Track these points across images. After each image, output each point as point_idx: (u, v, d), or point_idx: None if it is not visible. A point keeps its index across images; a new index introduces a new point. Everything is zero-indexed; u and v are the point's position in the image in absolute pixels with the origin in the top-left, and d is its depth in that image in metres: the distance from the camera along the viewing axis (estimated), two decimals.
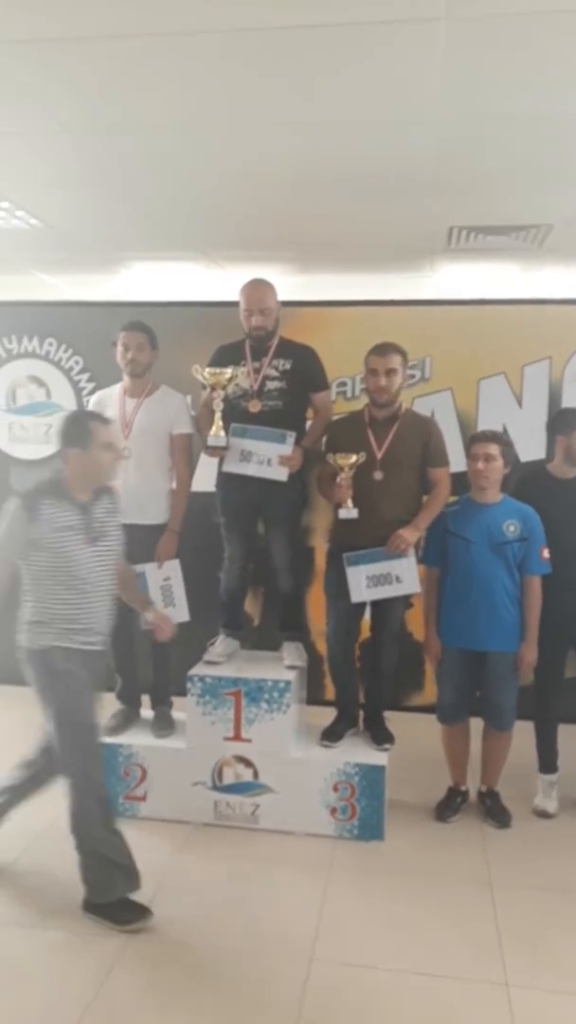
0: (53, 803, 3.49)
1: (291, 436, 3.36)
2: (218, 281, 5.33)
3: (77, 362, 4.88)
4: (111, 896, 2.71)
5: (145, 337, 3.56)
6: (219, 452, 3.42)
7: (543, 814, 3.48)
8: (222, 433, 3.37)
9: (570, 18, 2.11)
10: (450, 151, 3.01)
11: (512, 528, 3.30)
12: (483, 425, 4.34)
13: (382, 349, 3.36)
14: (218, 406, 3.38)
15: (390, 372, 3.33)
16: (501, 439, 3.39)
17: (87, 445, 2.70)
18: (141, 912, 2.71)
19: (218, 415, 3.38)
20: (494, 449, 3.30)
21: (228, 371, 3.37)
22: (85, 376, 4.86)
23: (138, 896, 2.82)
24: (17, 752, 3.00)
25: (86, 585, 2.72)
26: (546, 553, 3.31)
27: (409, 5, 2.04)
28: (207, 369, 3.40)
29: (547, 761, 3.56)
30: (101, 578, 2.77)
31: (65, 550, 2.67)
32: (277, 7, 2.11)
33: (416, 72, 2.42)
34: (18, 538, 2.66)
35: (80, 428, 2.73)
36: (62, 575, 2.68)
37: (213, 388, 3.38)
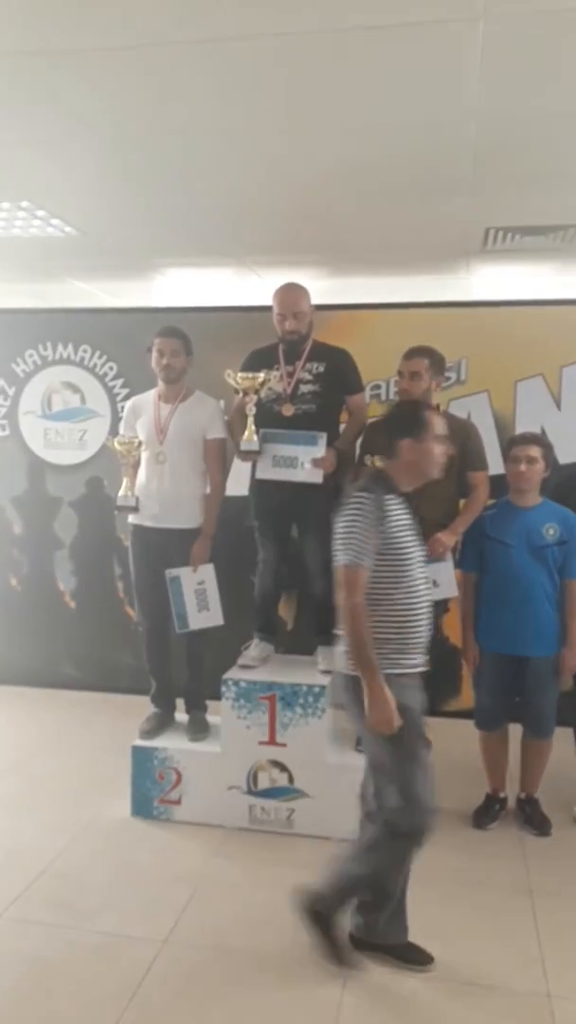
0: (89, 805, 3.52)
1: (322, 437, 3.35)
2: (251, 286, 5.34)
3: (111, 368, 4.92)
4: (396, 939, 2.52)
5: (180, 343, 3.57)
6: (252, 457, 3.42)
7: None
8: (255, 438, 3.37)
9: None
10: (487, 151, 2.97)
11: (552, 531, 3.25)
12: (521, 427, 4.30)
13: (409, 352, 3.38)
14: (251, 411, 3.38)
15: (414, 375, 3.32)
16: (542, 441, 3.35)
17: (421, 435, 2.51)
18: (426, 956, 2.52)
19: (251, 420, 3.38)
20: (535, 451, 3.26)
21: (260, 375, 3.37)
22: (119, 382, 4.90)
23: (173, 900, 2.82)
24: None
25: (421, 596, 2.44)
26: None
27: (447, 6, 2.02)
28: (239, 374, 3.40)
29: None
30: (427, 587, 2.52)
31: (406, 552, 2.41)
32: (313, 11, 2.10)
33: (454, 72, 2.39)
34: (373, 539, 2.35)
35: (415, 417, 2.55)
36: (403, 583, 2.40)
37: (246, 393, 3.39)
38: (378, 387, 4.56)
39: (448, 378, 4.34)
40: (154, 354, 3.60)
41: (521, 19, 2.08)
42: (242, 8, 2.11)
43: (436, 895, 2.90)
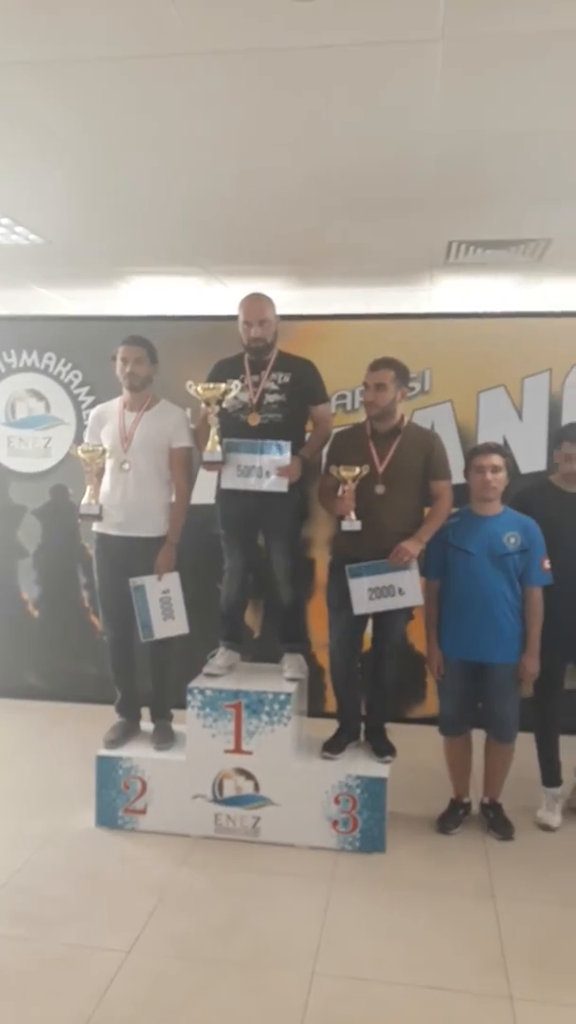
0: (53, 816, 3.49)
1: (287, 446, 3.38)
2: (218, 296, 5.37)
3: (76, 376, 4.90)
4: None
5: (143, 351, 3.58)
6: (216, 467, 3.43)
7: (546, 827, 3.47)
8: (219, 448, 3.38)
9: (564, 38, 2.14)
10: (449, 167, 3.04)
11: (513, 540, 3.30)
12: (483, 437, 4.36)
13: (374, 364, 3.41)
14: (213, 421, 3.40)
15: (379, 387, 3.36)
16: (503, 451, 3.41)
17: None
18: None
19: (214, 430, 3.40)
20: (498, 461, 3.32)
21: (222, 386, 3.39)
22: (84, 390, 4.88)
23: (138, 910, 2.81)
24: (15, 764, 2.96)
25: None
26: (547, 564, 3.31)
27: (407, 27, 2.07)
28: (200, 384, 3.42)
29: (550, 774, 3.55)
30: None
31: None
32: (277, 28, 2.14)
33: (415, 91, 2.45)
34: None
35: None
36: None
37: (208, 403, 3.40)
38: (344, 397, 4.60)
39: (412, 389, 4.40)
40: (118, 362, 3.59)
41: (479, 41, 2.14)
42: (211, 24, 2.14)
43: (400, 900, 2.94)
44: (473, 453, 3.42)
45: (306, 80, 2.42)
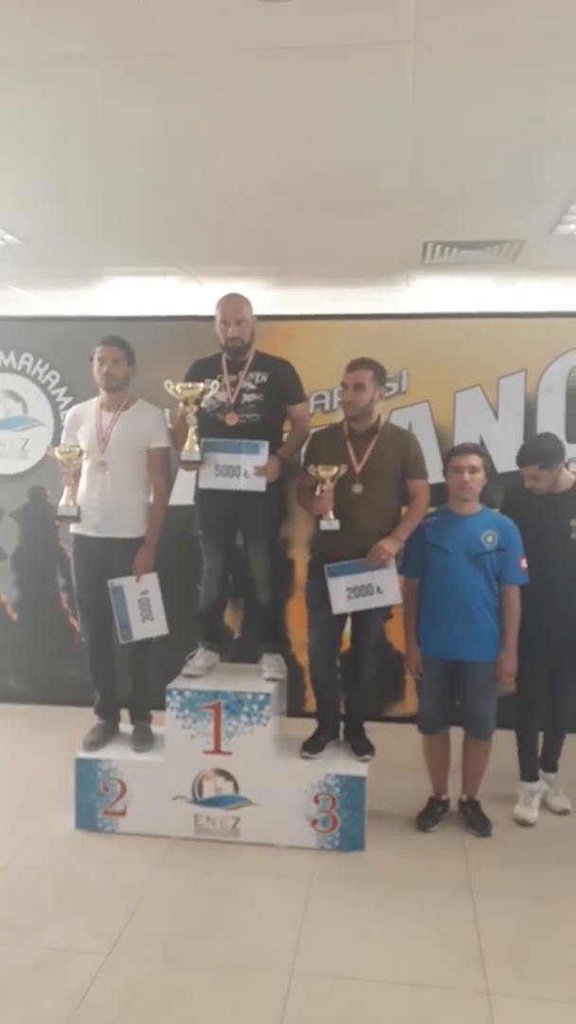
0: (32, 819, 3.48)
1: (264, 446, 3.38)
2: (196, 296, 5.37)
3: (54, 376, 4.87)
4: None
5: (120, 351, 3.56)
6: (194, 466, 3.43)
7: (523, 823, 3.50)
8: (196, 448, 3.38)
9: (532, 43, 2.17)
10: (423, 169, 3.06)
11: (490, 539, 3.33)
12: (460, 437, 4.38)
13: (352, 364, 3.41)
14: (191, 420, 3.40)
15: (358, 387, 3.37)
16: (481, 451, 3.43)
17: None
18: None
19: (192, 430, 3.39)
20: (476, 461, 3.34)
21: (200, 386, 3.38)
22: (62, 391, 4.85)
23: (117, 912, 2.81)
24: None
25: None
26: (523, 563, 3.34)
27: (378, 29, 2.09)
28: (178, 384, 3.41)
29: (528, 770, 3.58)
30: None
31: None
32: (252, 30, 2.15)
33: (388, 93, 2.47)
34: None
35: None
36: None
37: (186, 402, 3.40)
38: (322, 397, 4.60)
39: (390, 389, 4.42)
40: (95, 363, 3.58)
41: (449, 44, 2.16)
42: (184, 26, 2.14)
43: (379, 897, 2.95)
44: (452, 453, 3.44)
45: (279, 81, 2.43)
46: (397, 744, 3.73)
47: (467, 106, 2.52)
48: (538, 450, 3.47)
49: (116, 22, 2.12)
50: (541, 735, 3.65)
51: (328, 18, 2.03)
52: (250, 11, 2.02)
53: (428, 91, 2.43)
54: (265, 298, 4.55)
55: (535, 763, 3.59)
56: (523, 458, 3.48)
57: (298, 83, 2.42)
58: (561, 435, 4.40)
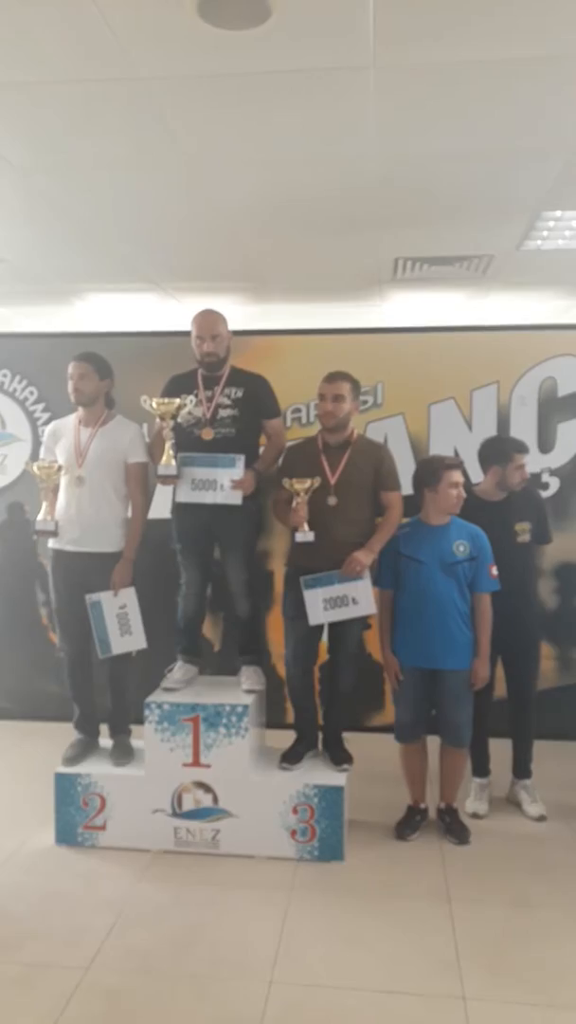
0: (12, 835, 3.47)
1: (240, 459, 3.42)
2: (174, 312, 5.41)
3: (32, 392, 4.90)
4: None
5: (89, 367, 3.58)
6: (171, 481, 3.46)
7: (475, 815, 3.61)
8: (173, 462, 3.42)
9: (489, 67, 2.24)
10: (389, 188, 3.13)
11: (462, 548, 3.38)
12: (435, 449, 4.46)
13: (331, 376, 3.47)
14: (168, 435, 3.43)
15: (337, 398, 3.42)
16: (463, 466, 3.50)
17: None
18: None
19: (168, 444, 3.43)
20: (461, 477, 3.41)
21: (176, 401, 3.42)
22: (40, 407, 4.88)
23: (96, 926, 2.81)
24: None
25: None
26: (495, 571, 3.40)
27: (339, 54, 2.14)
28: (155, 399, 3.45)
29: (477, 766, 3.73)
30: None
31: None
32: (216, 56, 2.20)
33: (351, 116, 2.53)
34: None
35: None
36: None
37: (162, 418, 3.43)
38: (299, 410, 4.66)
39: (365, 402, 4.48)
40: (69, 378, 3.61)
41: (409, 70, 2.22)
42: (149, 52, 2.19)
43: (358, 906, 2.97)
44: (446, 467, 3.40)
45: (245, 104, 2.49)
46: (376, 754, 3.76)
47: (431, 128, 2.59)
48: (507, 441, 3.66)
49: (83, 48, 2.17)
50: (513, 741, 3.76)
51: (290, 44, 2.08)
52: (213, 38, 2.07)
53: (391, 114, 2.49)
54: (242, 314, 4.62)
55: (484, 760, 3.72)
56: (513, 447, 3.62)
57: (263, 106, 2.48)
58: (534, 446, 4.53)
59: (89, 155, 2.96)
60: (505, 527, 3.55)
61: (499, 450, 3.66)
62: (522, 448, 3.68)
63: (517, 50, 2.15)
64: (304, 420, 4.65)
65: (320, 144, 2.74)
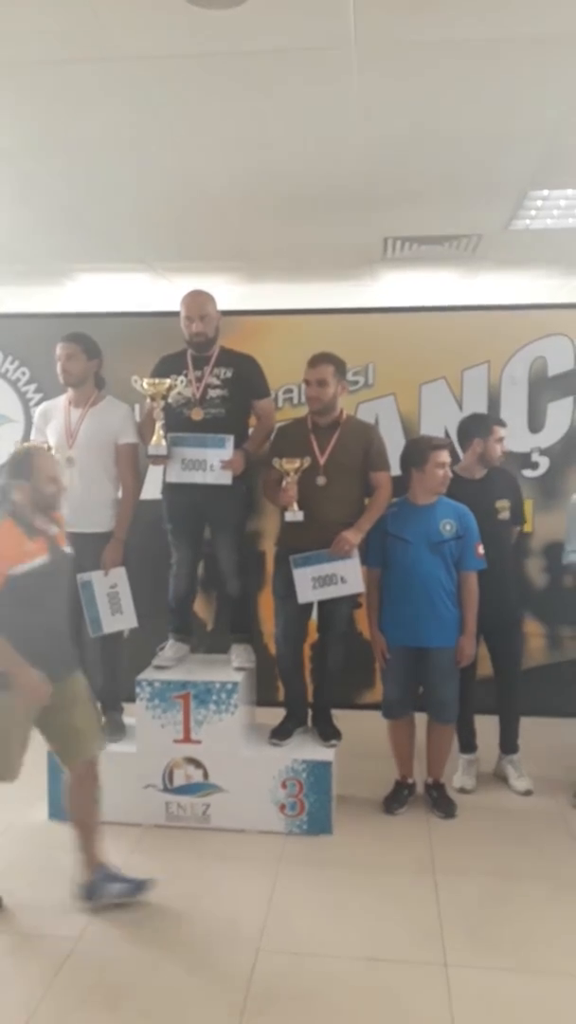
0: (6, 810, 3.53)
1: (229, 439, 3.45)
2: (165, 292, 5.41)
3: (24, 373, 4.90)
4: None
5: (77, 347, 3.60)
6: (161, 461, 3.49)
7: (461, 790, 3.68)
8: (163, 443, 3.44)
9: (471, 47, 2.23)
10: (375, 167, 3.13)
11: (448, 527, 3.42)
12: (426, 429, 4.47)
13: (314, 360, 3.48)
14: (158, 416, 3.45)
15: (321, 382, 3.44)
16: (452, 445, 3.53)
17: None
18: None
19: (159, 425, 3.45)
20: (449, 456, 3.43)
21: (167, 381, 3.44)
22: (32, 387, 4.88)
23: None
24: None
25: None
26: (481, 549, 3.44)
27: (320, 33, 2.14)
28: (146, 380, 3.47)
29: (463, 743, 3.78)
30: None
31: None
32: (197, 35, 2.20)
33: (333, 95, 2.53)
34: None
35: None
36: None
37: (153, 398, 3.45)
38: (290, 391, 4.66)
39: (356, 382, 4.49)
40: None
41: (390, 48, 2.22)
42: (130, 32, 2.19)
43: (344, 878, 3.04)
44: (433, 448, 3.42)
45: (232, 84, 2.49)
46: (366, 730, 3.81)
47: (414, 108, 2.59)
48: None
49: (65, 29, 2.17)
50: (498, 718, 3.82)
51: (270, 23, 2.08)
52: (193, 17, 2.07)
53: (373, 93, 2.49)
54: (233, 294, 4.62)
55: (470, 736, 3.78)
56: (493, 420, 3.73)
57: (246, 85, 2.48)
58: (524, 425, 4.55)
59: (75, 136, 2.95)
60: (486, 505, 3.58)
61: (479, 423, 3.71)
62: (500, 421, 3.73)
63: (499, 30, 2.15)
64: (296, 400, 4.65)
65: (304, 124, 2.74)
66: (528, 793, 3.69)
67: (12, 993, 2.42)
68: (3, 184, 3.48)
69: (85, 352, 3.60)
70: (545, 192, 3.53)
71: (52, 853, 3.22)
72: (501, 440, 3.68)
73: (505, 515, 3.67)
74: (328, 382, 3.45)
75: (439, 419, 4.55)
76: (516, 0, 2.01)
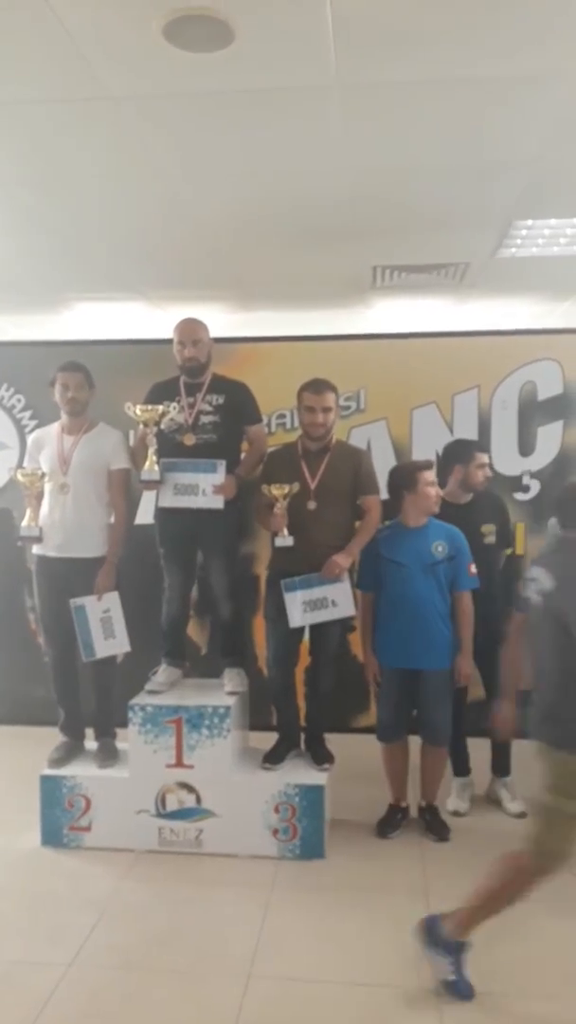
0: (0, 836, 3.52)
1: (221, 464, 3.49)
2: (160, 321, 5.47)
3: (19, 400, 4.95)
4: None
5: (83, 376, 3.66)
6: (154, 486, 3.53)
7: (456, 813, 3.67)
8: (156, 468, 3.48)
9: (447, 85, 2.30)
10: (362, 199, 3.20)
11: (440, 548, 3.44)
12: (418, 453, 4.51)
13: (317, 387, 3.50)
14: (151, 441, 3.50)
15: (326, 409, 3.48)
16: (433, 465, 3.58)
17: None
18: None
19: (151, 450, 3.49)
20: (434, 475, 3.48)
21: (160, 407, 3.49)
22: (27, 414, 4.93)
23: (80, 924, 2.86)
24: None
25: None
26: (473, 569, 3.47)
27: (302, 74, 2.21)
28: (139, 406, 3.52)
29: (460, 765, 3.77)
30: None
31: None
32: (183, 76, 2.27)
33: (319, 131, 2.61)
34: None
35: None
36: None
37: (146, 424, 3.50)
38: (283, 416, 4.70)
39: (348, 407, 4.55)
40: (58, 388, 3.67)
41: (371, 87, 2.29)
42: (118, 73, 2.26)
43: (336, 903, 3.03)
44: (419, 469, 3.49)
45: (221, 122, 2.56)
46: (360, 753, 3.81)
47: (395, 143, 2.66)
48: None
49: (57, 70, 2.24)
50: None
51: (254, 65, 2.15)
52: (180, 60, 2.14)
53: (356, 129, 2.56)
54: (227, 321, 4.68)
55: (464, 759, 3.78)
56: (475, 446, 3.77)
57: (233, 123, 2.55)
58: (515, 449, 4.60)
59: (70, 170, 3.03)
60: (472, 529, 3.60)
61: (461, 450, 3.76)
62: (483, 447, 3.78)
63: (473, 69, 2.22)
64: (289, 426, 4.69)
65: (292, 158, 2.81)
66: (522, 816, 3.67)
67: (2, 1019, 2.41)
68: (2, 215, 3.55)
69: (87, 381, 3.66)
70: (529, 222, 3.60)
71: (43, 879, 3.22)
72: (483, 466, 3.72)
73: (491, 539, 3.70)
74: (332, 409, 3.50)
75: (430, 443, 4.59)
76: (489, 41, 2.08)
